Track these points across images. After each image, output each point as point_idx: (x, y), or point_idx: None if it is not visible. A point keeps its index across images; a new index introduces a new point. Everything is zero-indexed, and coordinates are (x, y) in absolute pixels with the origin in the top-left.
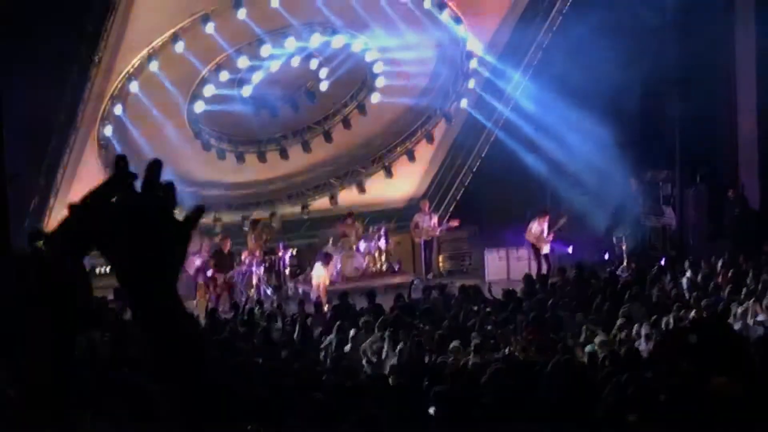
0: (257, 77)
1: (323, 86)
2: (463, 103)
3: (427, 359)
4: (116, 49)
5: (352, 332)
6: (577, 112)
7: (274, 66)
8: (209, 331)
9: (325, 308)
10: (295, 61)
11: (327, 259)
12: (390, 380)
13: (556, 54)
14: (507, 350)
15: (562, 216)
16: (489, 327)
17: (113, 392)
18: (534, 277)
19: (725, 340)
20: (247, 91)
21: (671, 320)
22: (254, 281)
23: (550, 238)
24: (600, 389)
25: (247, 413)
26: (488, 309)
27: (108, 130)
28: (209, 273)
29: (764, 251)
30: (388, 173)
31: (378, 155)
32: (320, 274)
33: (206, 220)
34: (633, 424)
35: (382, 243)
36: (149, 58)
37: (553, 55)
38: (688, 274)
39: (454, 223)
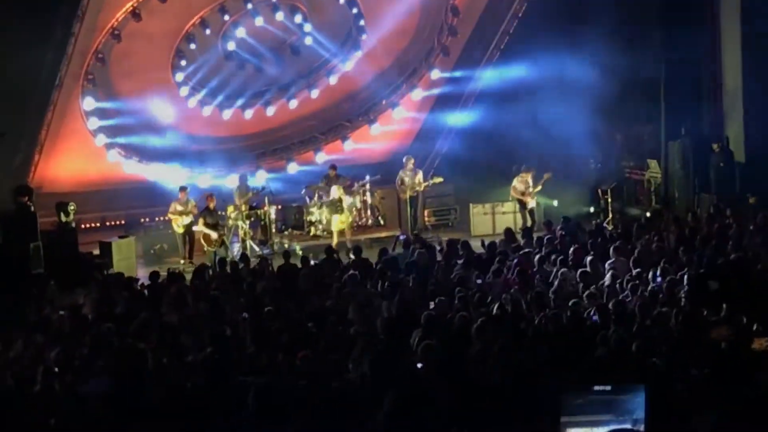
0: (241, 32)
1: (308, 41)
2: (448, 57)
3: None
4: (100, 4)
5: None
6: (564, 69)
7: (259, 21)
8: (195, 289)
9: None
10: (280, 16)
11: (338, 206)
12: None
13: (541, 11)
14: (494, 304)
15: (548, 171)
16: (478, 281)
17: (102, 348)
18: (516, 231)
19: (748, 285)
20: (231, 45)
21: (658, 274)
22: (240, 236)
23: (535, 192)
24: (588, 342)
25: (236, 367)
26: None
27: (92, 86)
28: (199, 229)
29: (749, 203)
30: (373, 127)
31: (363, 109)
32: (339, 222)
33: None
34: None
35: (367, 197)
36: (133, 13)
37: (537, 12)
38: (674, 227)
39: (439, 180)
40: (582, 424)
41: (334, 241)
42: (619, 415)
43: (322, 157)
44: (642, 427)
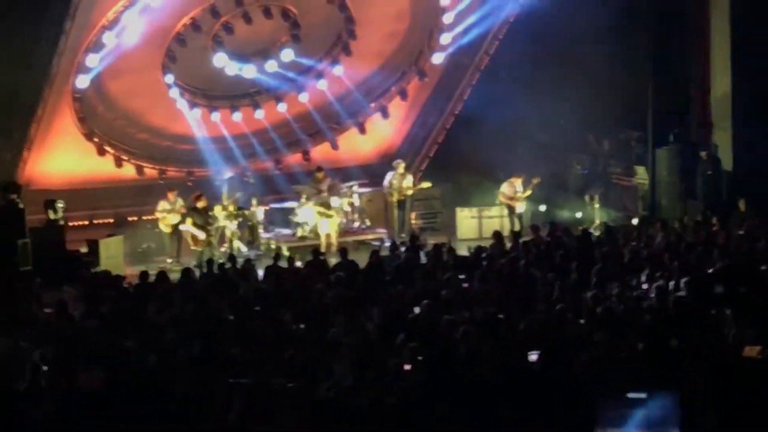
0: (232, 33)
1: (298, 43)
2: (437, 58)
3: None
4: (92, 1)
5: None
6: (551, 75)
7: (250, 22)
8: (183, 289)
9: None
10: (271, 18)
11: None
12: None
13: (532, 17)
14: (480, 308)
15: (537, 176)
16: (464, 285)
17: (87, 346)
18: (505, 234)
19: (756, 289)
20: (221, 46)
21: (643, 280)
22: (228, 236)
23: (524, 196)
24: (575, 348)
25: (223, 368)
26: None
27: (82, 83)
28: (187, 229)
29: (739, 208)
30: (362, 130)
31: (351, 112)
32: (328, 226)
33: (179, 173)
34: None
35: (354, 200)
36: (125, 10)
37: (528, 18)
38: (661, 234)
39: (427, 185)
40: None
41: (323, 243)
42: (649, 427)
43: (309, 159)
44: None
